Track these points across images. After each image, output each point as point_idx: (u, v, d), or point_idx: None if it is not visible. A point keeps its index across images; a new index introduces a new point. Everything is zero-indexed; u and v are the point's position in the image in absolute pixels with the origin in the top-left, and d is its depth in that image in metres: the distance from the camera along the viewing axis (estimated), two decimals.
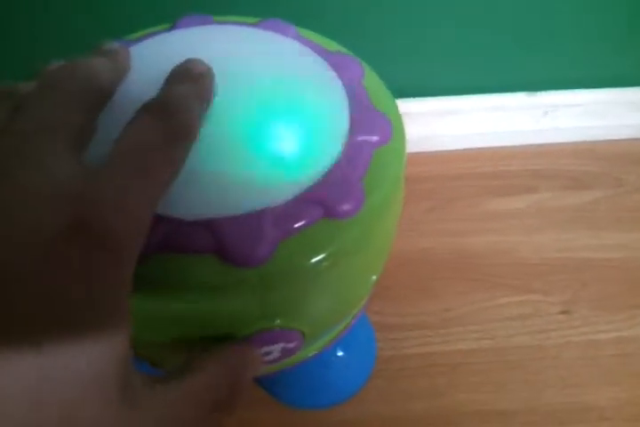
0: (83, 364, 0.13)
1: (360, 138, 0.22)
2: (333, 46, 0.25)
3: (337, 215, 0.20)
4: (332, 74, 0.23)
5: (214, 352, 0.19)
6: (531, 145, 0.52)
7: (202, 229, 0.19)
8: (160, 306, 0.19)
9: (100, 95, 0.18)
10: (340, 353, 0.39)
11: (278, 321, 0.21)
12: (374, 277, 0.26)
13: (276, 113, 0.21)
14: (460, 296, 0.43)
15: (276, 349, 0.23)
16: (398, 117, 0.23)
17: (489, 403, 0.38)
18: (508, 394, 0.39)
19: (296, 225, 0.19)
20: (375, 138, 0.22)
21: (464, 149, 0.52)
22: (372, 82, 0.24)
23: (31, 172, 0.14)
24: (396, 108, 0.24)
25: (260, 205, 0.19)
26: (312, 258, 0.19)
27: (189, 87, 0.18)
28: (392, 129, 0.22)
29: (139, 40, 0.24)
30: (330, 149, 0.21)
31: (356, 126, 0.22)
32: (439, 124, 0.50)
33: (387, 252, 0.25)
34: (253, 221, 0.19)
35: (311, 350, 0.29)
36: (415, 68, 0.47)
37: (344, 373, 0.39)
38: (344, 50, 0.26)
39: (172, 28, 0.25)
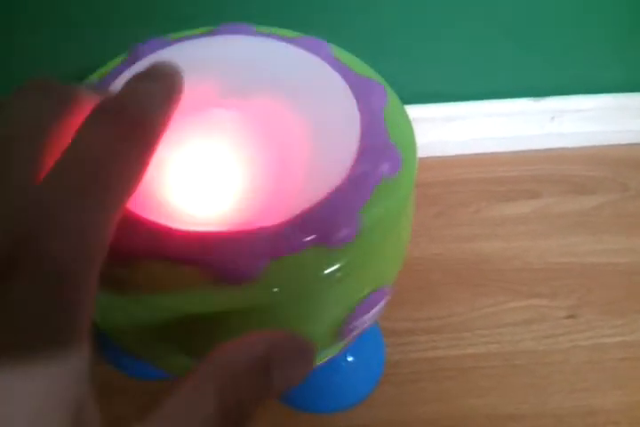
0: (31, 387, 0.12)
1: (366, 168, 0.21)
2: (363, 69, 0.25)
3: (329, 243, 0.20)
4: (350, 101, 0.23)
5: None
6: (536, 150, 0.52)
7: (193, 242, 0.19)
8: (146, 311, 0.20)
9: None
10: (349, 358, 0.39)
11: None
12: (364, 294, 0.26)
13: (283, 134, 0.22)
14: (468, 302, 0.43)
15: None
16: (413, 149, 0.23)
17: (498, 407, 0.39)
18: (516, 398, 0.39)
19: (288, 248, 0.19)
20: (382, 170, 0.22)
21: (469, 155, 0.52)
22: (394, 110, 0.24)
23: None
24: (413, 139, 0.23)
25: (255, 224, 0.19)
26: (299, 281, 0.20)
27: (151, 85, 0.16)
28: (401, 162, 0.22)
29: (173, 42, 0.25)
30: (332, 176, 0.21)
31: (364, 156, 0.22)
32: (445, 129, 0.50)
33: (388, 270, 0.25)
34: (246, 239, 0.19)
35: (322, 358, 0.29)
36: (421, 74, 0.47)
37: (353, 378, 0.40)
38: (373, 73, 0.25)
39: (212, 33, 0.26)
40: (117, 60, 0.25)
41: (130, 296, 0.20)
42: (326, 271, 0.20)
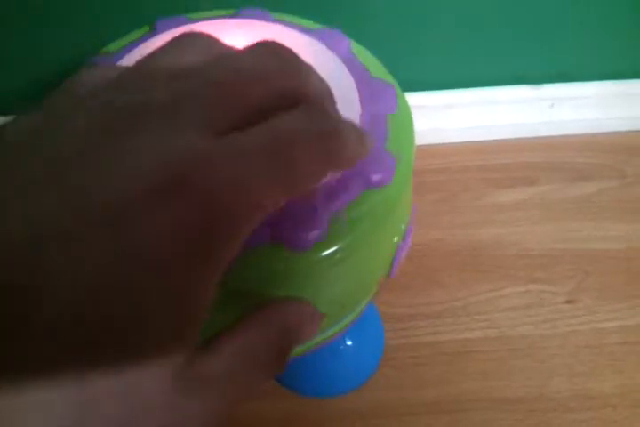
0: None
1: (371, 108, 0.22)
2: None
3: (375, 185, 0.20)
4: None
5: (268, 304, 0.17)
6: (535, 138, 0.52)
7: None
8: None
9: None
10: (348, 342, 0.39)
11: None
12: (396, 240, 0.27)
13: None
14: (467, 287, 0.44)
15: None
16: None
17: (497, 391, 0.39)
18: (516, 382, 0.40)
19: (345, 200, 0.20)
20: (385, 106, 0.23)
21: (468, 142, 0.52)
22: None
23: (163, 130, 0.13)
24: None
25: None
26: (359, 229, 0.20)
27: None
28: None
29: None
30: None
31: (364, 98, 0.23)
32: (443, 117, 0.50)
33: (407, 216, 0.26)
34: (306, 201, 0.20)
35: (321, 338, 0.30)
36: (419, 61, 0.47)
37: (353, 361, 0.40)
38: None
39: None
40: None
41: None
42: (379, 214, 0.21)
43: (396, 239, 0.26)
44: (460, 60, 0.48)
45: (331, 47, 0.25)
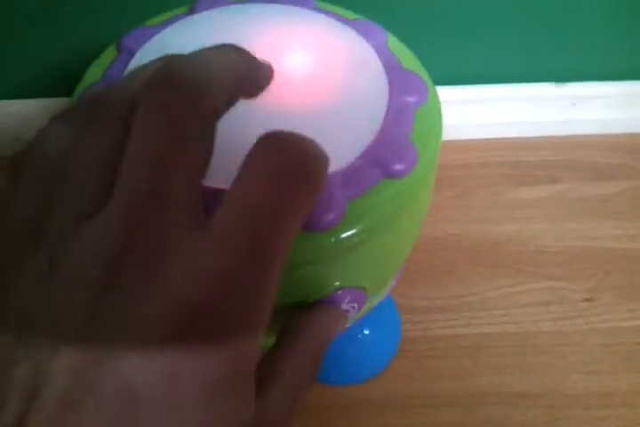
0: None
1: (400, 98, 0.22)
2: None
3: (395, 175, 0.20)
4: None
5: (306, 315, 0.19)
6: (556, 136, 0.52)
7: None
8: None
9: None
10: (366, 331, 0.39)
11: (350, 279, 0.22)
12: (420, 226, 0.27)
13: (322, 82, 0.22)
14: (485, 281, 0.43)
15: (350, 306, 0.23)
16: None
17: (513, 386, 0.39)
18: (532, 378, 0.39)
19: (361, 187, 0.20)
20: (414, 98, 0.23)
21: (488, 139, 0.52)
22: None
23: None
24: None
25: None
26: (378, 217, 0.20)
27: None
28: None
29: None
30: (376, 110, 0.22)
31: (393, 87, 0.23)
32: (464, 112, 0.50)
33: (428, 206, 0.26)
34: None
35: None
36: (441, 56, 0.47)
37: (369, 351, 0.40)
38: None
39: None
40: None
41: None
42: (396, 204, 0.21)
43: (417, 227, 0.26)
44: (481, 56, 0.48)
45: (365, 37, 0.25)
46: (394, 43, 0.26)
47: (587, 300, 0.43)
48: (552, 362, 0.40)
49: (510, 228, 0.47)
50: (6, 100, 0.48)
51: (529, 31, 0.46)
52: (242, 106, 0.19)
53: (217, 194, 0.19)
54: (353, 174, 0.20)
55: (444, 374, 0.39)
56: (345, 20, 0.26)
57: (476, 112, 0.50)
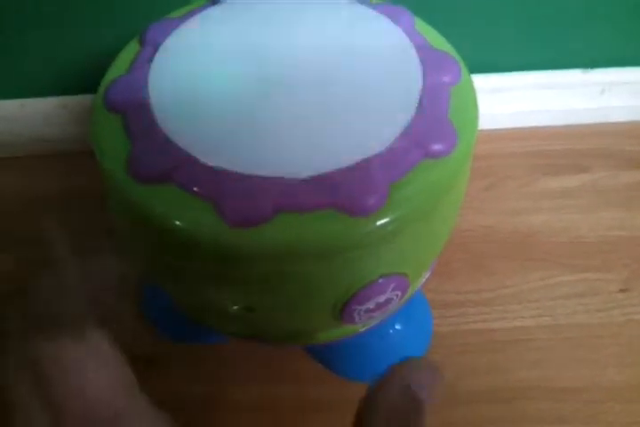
0: None
1: (434, 79, 0.22)
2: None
3: (435, 154, 0.20)
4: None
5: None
6: (585, 124, 0.51)
7: (316, 186, 0.19)
8: (289, 266, 0.20)
9: None
10: (397, 326, 0.39)
11: (393, 266, 0.22)
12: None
13: (357, 65, 0.22)
14: (518, 274, 0.43)
15: (394, 295, 0.23)
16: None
17: (550, 380, 0.38)
18: (570, 371, 0.38)
19: (402, 169, 0.19)
20: (448, 77, 0.22)
21: (516, 128, 0.51)
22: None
23: None
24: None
25: (367, 154, 0.19)
26: (420, 200, 0.20)
27: None
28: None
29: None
30: (411, 91, 0.22)
31: (427, 68, 0.22)
32: (492, 101, 0.49)
33: (465, 188, 0.26)
34: (363, 170, 0.19)
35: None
36: (469, 44, 0.46)
37: (401, 346, 0.39)
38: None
39: None
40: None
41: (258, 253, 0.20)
42: (438, 186, 0.20)
43: (455, 210, 0.25)
44: (508, 43, 0.47)
45: (393, 20, 0.25)
46: (421, 25, 0.25)
47: (622, 290, 0.42)
48: (589, 355, 0.39)
49: (541, 219, 0.46)
50: (23, 99, 0.48)
51: (555, 16, 0.45)
52: (283, 87, 0.19)
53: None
54: (393, 156, 0.20)
55: (478, 369, 0.39)
56: (370, 4, 0.26)
57: (501, 101, 0.49)
